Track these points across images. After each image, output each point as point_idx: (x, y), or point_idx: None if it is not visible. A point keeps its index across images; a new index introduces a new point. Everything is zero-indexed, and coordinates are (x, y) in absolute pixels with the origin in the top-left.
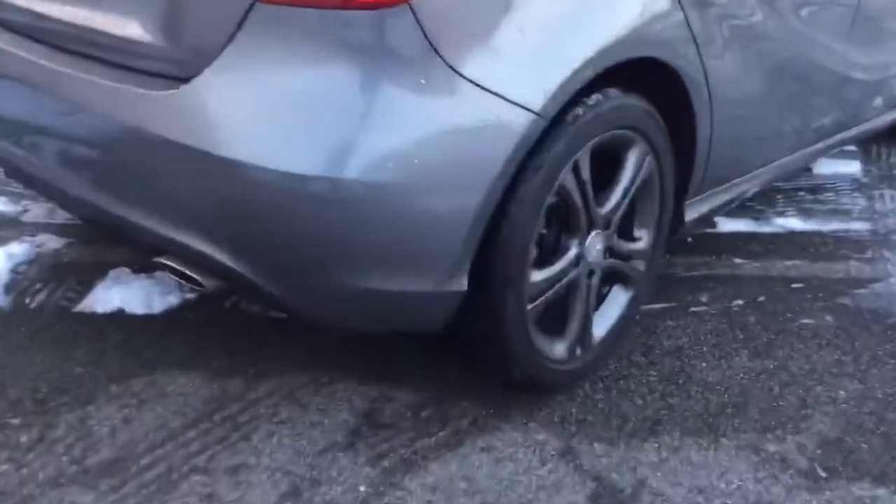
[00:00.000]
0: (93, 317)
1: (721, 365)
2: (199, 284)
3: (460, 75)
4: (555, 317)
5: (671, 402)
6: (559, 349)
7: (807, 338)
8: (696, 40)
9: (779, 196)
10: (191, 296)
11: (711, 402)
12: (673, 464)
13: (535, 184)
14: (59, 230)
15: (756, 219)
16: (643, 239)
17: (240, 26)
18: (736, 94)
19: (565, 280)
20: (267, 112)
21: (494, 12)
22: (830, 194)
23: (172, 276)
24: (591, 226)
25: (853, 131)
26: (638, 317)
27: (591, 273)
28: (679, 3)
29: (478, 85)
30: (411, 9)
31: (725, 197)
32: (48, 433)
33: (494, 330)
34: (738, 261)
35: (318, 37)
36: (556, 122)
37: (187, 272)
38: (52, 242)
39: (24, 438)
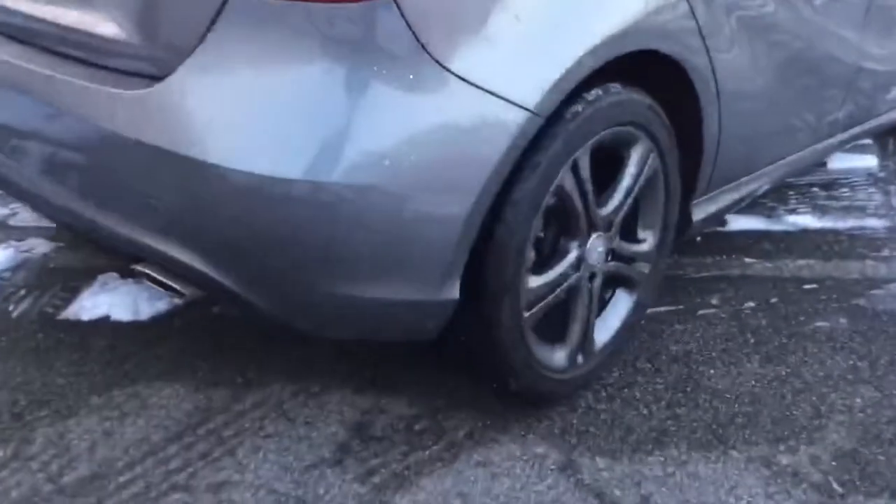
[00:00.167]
0: (77, 324)
1: (731, 371)
2: (179, 293)
3: (448, 71)
4: (554, 322)
5: (678, 412)
6: (559, 357)
7: (821, 342)
8: (702, 31)
9: (791, 192)
10: (179, 301)
11: (720, 412)
12: (679, 478)
13: (532, 185)
14: (48, 234)
15: (768, 216)
16: (647, 240)
17: (216, 20)
18: (745, 88)
19: (565, 285)
20: (245, 111)
21: (485, 3)
22: (845, 190)
23: (152, 285)
24: (592, 227)
25: (868, 125)
26: (643, 321)
27: (592, 277)
28: None
29: (467, 81)
30: (395, 1)
31: (735, 195)
32: (24, 449)
33: (489, 339)
34: (748, 260)
35: (297, 31)
36: (552, 119)
37: (165, 281)
38: (40, 247)
39: None
